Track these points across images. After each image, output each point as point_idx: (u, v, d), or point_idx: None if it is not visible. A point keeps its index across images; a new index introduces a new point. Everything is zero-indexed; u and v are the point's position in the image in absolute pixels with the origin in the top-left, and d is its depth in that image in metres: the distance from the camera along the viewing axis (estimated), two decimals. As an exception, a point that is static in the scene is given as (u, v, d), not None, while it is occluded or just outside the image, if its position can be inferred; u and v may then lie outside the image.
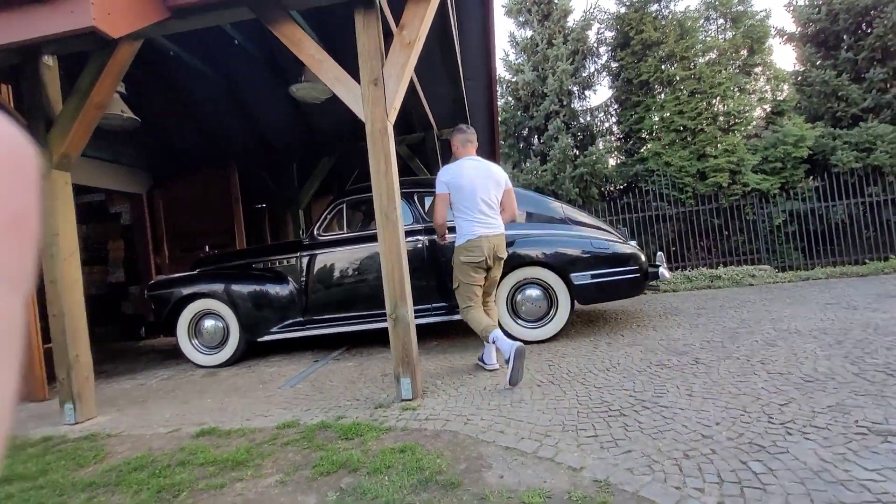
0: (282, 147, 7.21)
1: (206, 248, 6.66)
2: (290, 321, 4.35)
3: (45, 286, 2.97)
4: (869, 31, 7.72)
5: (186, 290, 4.34)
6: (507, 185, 3.20)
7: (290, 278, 4.44)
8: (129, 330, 6.97)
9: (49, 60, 3.02)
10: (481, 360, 3.27)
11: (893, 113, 7.42)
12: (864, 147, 7.24)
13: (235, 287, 4.31)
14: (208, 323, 4.33)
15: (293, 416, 2.65)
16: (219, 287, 4.31)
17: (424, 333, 4.65)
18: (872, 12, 7.64)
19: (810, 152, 7.47)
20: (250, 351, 4.50)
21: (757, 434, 1.87)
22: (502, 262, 3.16)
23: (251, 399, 3.15)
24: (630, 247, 4.08)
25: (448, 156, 7.43)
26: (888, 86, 7.65)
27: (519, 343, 2.76)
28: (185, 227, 6.89)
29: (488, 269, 3.07)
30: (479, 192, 3.01)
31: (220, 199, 6.77)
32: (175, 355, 5.02)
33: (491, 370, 3.19)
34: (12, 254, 0.14)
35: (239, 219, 6.77)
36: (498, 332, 2.92)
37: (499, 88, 8.83)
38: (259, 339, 4.30)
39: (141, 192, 6.88)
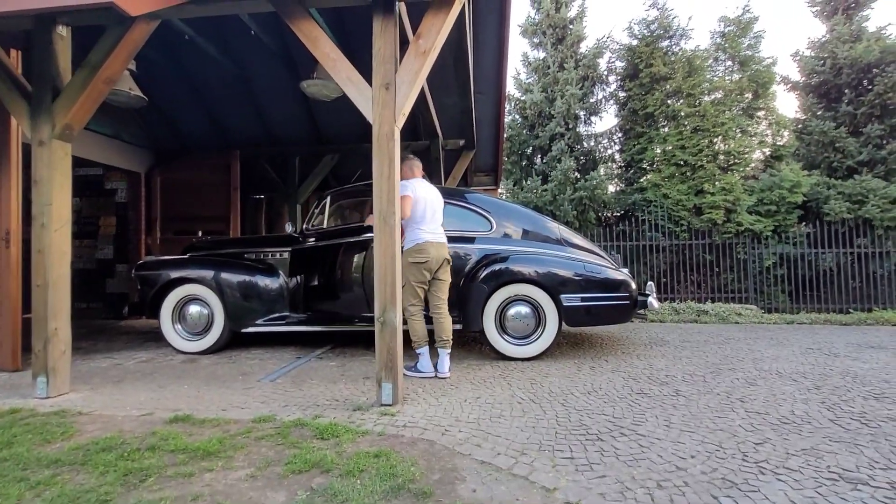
0: (286, 141, 7.22)
1: (200, 233, 6.62)
2: (277, 315, 4.32)
3: (31, 255, 2.94)
4: (870, 87, 7.94)
5: (175, 274, 4.30)
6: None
7: (280, 271, 4.42)
8: (112, 308, 6.87)
9: (63, 31, 3.02)
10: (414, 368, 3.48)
11: (887, 169, 7.61)
12: (857, 199, 7.39)
13: (225, 275, 4.28)
14: (193, 309, 4.29)
15: (270, 411, 2.62)
16: (208, 273, 4.27)
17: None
18: (875, 70, 7.86)
19: (804, 199, 7.61)
20: (233, 341, 4.45)
21: (730, 470, 1.88)
22: (449, 265, 3.51)
23: (229, 389, 3.11)
24: (622, 274, 4.11)
25: (451, 166, 7.49)
26: (884, 142, 7.84)
27: (443, 374, 3.35)
28: (180, 210, 6.84)
29: (435, 272, 3.44)
30: (432, 208, 3.44)
31: (219, 186, 6.75)
32: (156, 338, 4.95)
33: (421, 377, 3.40)
34: None
35: (236, 207, 6.74)
36: (425, 350, 3.42)
37: (507, 105, 8.94)
38: (243, 330, 4.26)
39: (139, 170, 6.84)
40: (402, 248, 3.35)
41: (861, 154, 7.79)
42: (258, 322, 4.28)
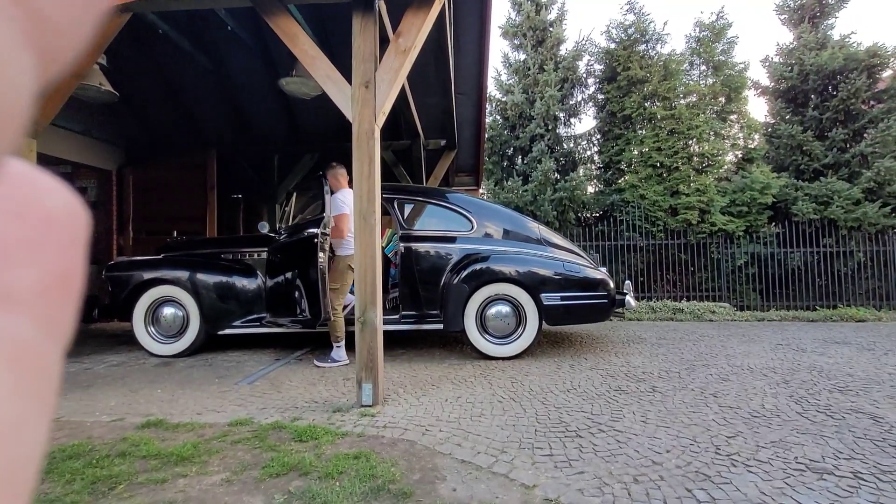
0: (265, 139, 7.09)
1: (175, 233, 6.45)
2: (255, 316, 4.24)
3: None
4: (835, 93, 8.26)
5: (148, 275, 4.18)
6: None
7: (258, 272, 4.34)
8: (82, 311, 6.60)
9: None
10: (331, 358, 3.74)
11: (851, 171, 7.93)
12: (823, 200, 7.69)
13: (201, 276, 4.17)
14: (167, 311, 4.17)
15: (247, 414, 2.56)
16: (183, 274, 4.16)
17: (391, 341, 4.62)
18: (839, 77, 8.19)
19: (774, 200, 7.88)
20: (210, 343, 4.35)
21: (704, 464, 1.93)
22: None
23: (205, 393, 3.04)
24: (600, 273, 4.18)
25: (432, 166, 7.49)
26: (848, 146, 8.18)
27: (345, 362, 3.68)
28: (154, 210, 6.65)
29: None
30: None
31: (194, 185, 6.59)
32: (128, 341, 4.79)
33: (337, 366, 3.70)
34: (59, 309, 0.15)
35: (212, 207, 6.59)
36: (342, 344, 3.75)
37: (488, 106, 8.99)
38: (220, 333, 4.17)
39: (111, 168, 6.62)
40: (338, 254, 3.76)
41: (826, 157, 8.10)
42: (236, 324, 4.19)
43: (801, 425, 2.35)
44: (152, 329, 4.19)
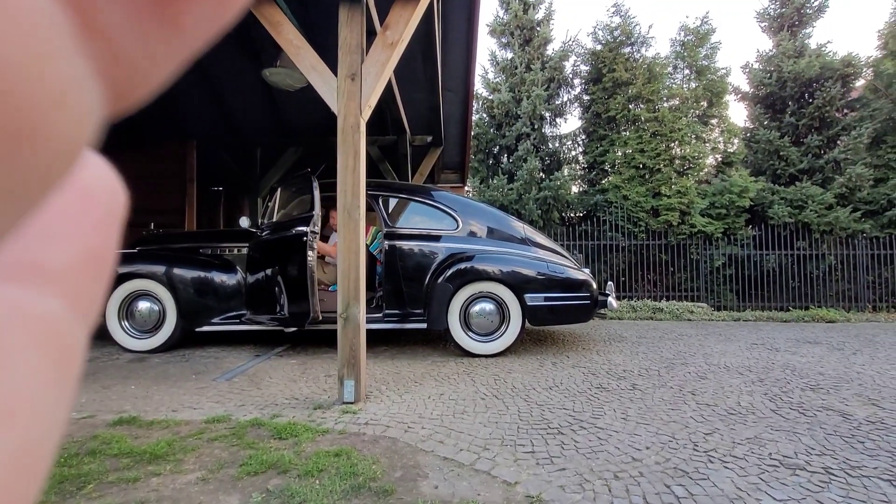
0: (247, 131, 6.94)
1: (152, 225, 6.27)
2: (235, 313, 4.15)
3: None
4: (811, 100, 8.51)
5: (122, 269, 4.04)
6: None
7: (239, 268, 4.25)
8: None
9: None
10: None
11: (824, 177, 8.19)
12: (797, 204, 7.93)
13: (178, 271, 4.06)
14: (142, 305, 4.05)
15: (225, 411, 2.51)
16: (159, 269, 4.05)
17: (375, 338, 4.58)
18: (815, 84, 8.44)
19: (751, 203, 8.08)
20: (188, 339, 4.24)
21: (682, 460, 1.96)
22: None
23: (181, 389, 2.96)
24: (583, 274, 4.22)
25: (418, 162, 7.45)
26: (822, 152, 8.44)
27: None
28: (130, 202, 6.42)
29: None
30: None
31: (173, 176, 6.42)
32: (100, 336, 4.63)
33: None
34: (89, 288, 0.15)
35: (191, 199, 6.44)
36: None
37: (475, 104, 8.98)
38: (198, 329, 4.07)
39: (84, 157, 6.39)
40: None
41: (802, 162, 8.34)
42: (214, 320, 4.09)
43: (775, 422, 2.41)
44: (126, 324, 4.06)
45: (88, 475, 1.77)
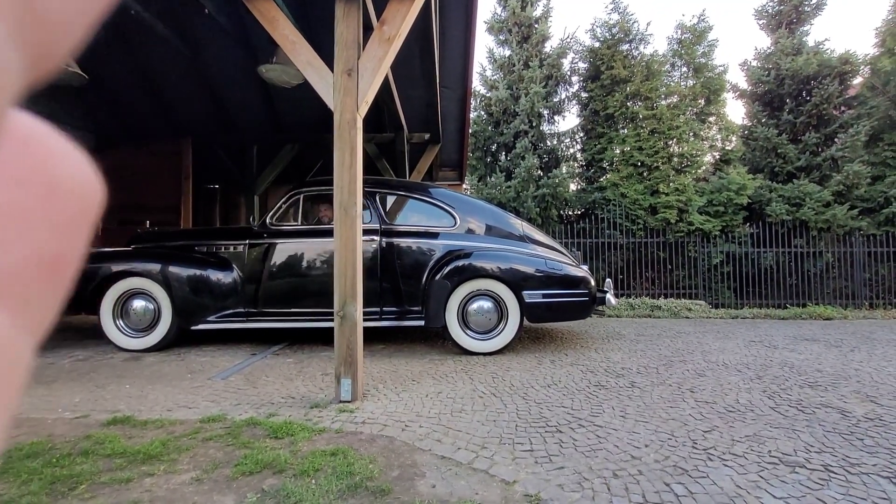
0: (244, 128, 6.90)
1: (147, 223, 6.23)
2: (231, 311, 4.12)
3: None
4: (808, 98, 8.51)
5: (117, 267, 4.01)
6: None
7: (235, 266, 4.21)
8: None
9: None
10: None
11: (822, 175, 8.19)
12: (795, 202, 7.93)
13: (173, 269, 4.03)
14: (138, 304, 4.02)
15: (220, 410, 2.48)
16: (154, 267, 4.01)
17: (371, 336, 4.56)
18: (813, 82, 8.44)
19: (749, 201, 8.08)
20: (183, 338, 4.21)
21: (681, 458, 1.95)
22: None
23: (176, 388, 2.93)
24: (582, 271, 4.20)
25: (416, 160, 7.41)
26: (819, 149, 8.44)
27: None
28: (125, 199, 6.41)
29: None
30: None
31: (169, 174, 6.37)
32: (95, 335, 4.60)
33: None
34: (41, 297, 0.13)
35: (187, 197, 6.39)
36: None
37: (472, 101, 8.95)
38: (193, 328, 4.04)
39: (79, 155, 6.33)
40: None
41: (800, 160, 8.34)
42: (210, 319, 4.06)
43: (773, 420, 2.40)
44: (121, 322, 4.03)
45: (81, 475, 1.74)
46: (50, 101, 5.75)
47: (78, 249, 0.14)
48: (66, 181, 0.13)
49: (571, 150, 10.12)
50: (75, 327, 5.33)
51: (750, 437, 2.18)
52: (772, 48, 8.99)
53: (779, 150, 8.50)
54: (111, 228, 6.40)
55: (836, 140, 8.38)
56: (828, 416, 2.46)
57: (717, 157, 9.30)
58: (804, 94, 8.63)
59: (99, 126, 6.55)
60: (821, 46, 8.58)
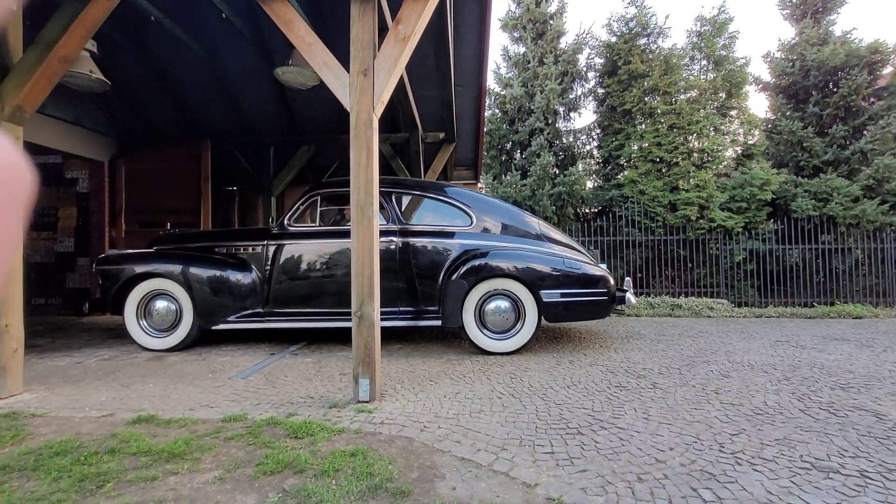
0: (260, 130, 6.99)
1: (168, 225, 6.35)
2: (250, 311, 4.17)
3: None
4: (835, 89, 8.22)
5: (140, 268, 4.10)
6: None
7: (253, 267, 4.27)
8: (73, 304, 6.53)
9: (13, 4, 2.79)
10: None
11: (850, 168, 7.91)
12: (822, 197, 7.67)
13: (194, 270, 4.10)
14: (160, 304, 4.10)
15: (241, 410, 2.51)
16: (175, 268, 4.09)
17: (388, 336, 4.57)
18: (840, 73, 8.15)
19: (773, 196, 7.85)
20: (204, 338, 4.28)
21: (708, 462, 1.89)
22: None
23: (198, 388, 2.98)
24: (600, 269, 4.13)
25: (430, 159, 7.40)
26: (847, 143, 8.15)
27: None
28: (147, 202, 6.55)
29: None
30: None
31: (188, 176, 6.48)
32: (120, 335, 4.73)
33: None
34: None
35: (206, 199, 6.49)
36: None
37: (487, 99, 8.90)
38: (214, 328, 4.10)
39: (102, 159, 6.51)
40: None
41: (826, 154, 8.07)
42: (230, 319, 4.12)
43: (804, 423, 2.32)
44: (144, 323, 4.12)
45: (108, 473, 1.78)
46: (75, 106, 5.91)
47: (11, 233, 0.13)
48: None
49: (588, 147, 9.99)
50: (101, 327, 5.47)
51: (780, 440, 2.11)
52: (796, 39, 8.72)
53: (804, 144, 8.24)
54: (133, 231, 6.55)
55: (865, 132, 8.08)
56: (861, 419, 2.36)
57: (740, 151, 9.06)
58: (831, 86, 8.35)
59: (121, 131, 6.71)
60: (848, 36, 8.29)
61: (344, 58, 2.67)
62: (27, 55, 2.73)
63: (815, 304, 7.09)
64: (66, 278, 6.66)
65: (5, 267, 0.13)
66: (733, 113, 8.95)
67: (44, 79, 2.76)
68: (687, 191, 7.91)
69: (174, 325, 4.09)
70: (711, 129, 8.33)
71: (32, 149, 5.34)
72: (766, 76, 9.14)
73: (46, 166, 6.62)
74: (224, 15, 4.46)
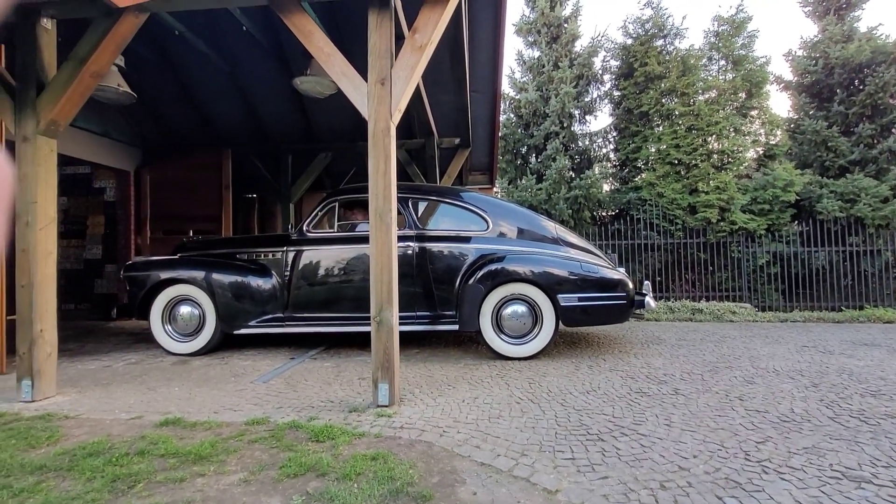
0: (279, 139, 7.13)
1: (191, 232, 6.52)
2: (270, 316, 4.25)
3: (16, 254, 2.85)
4: (861, 87, 8.00)
5: (165, 274, 4.21)
6: None
7: (273, 272, 4.35)
8: (101, 309, 6.74)
9: (47, 23, 2.93)
10: None
11: (878, 168, 7.67)
12: (849, 198, 7.45)
13: (216, 276, 4.20)
14: (184, 309, 4.20)
15: (263, 413, 2.56)
16: (199, 274, 4.19)
17: (406, 341, 4.59)
18: (866, 70, 7.93)
19: (797, 198, 7.66)
20: (225, 342, 4.37)
21: (734, 470, 1.86)
22: None
23: (221, 391, 3.04)
24: (618, 273, 4.09)
25: (446, 164, 7.44)
26: (875, 141, 7.92)
27: None
28: (170, 209, 6.73)
29: None
30: None
31: (210, 185, 6.65)
32: (145, 339, 4.86)
33: None
34: None
35: (227, 206, 6.65)
36: None
37: (502, 104, 8.91)
38: (236, 332, 4.19)
39: (128, 168, 6.72)
40: None
41: (853, 153, 7.85)
42: (251, 323, 4.20)
43: (834, 431, 2.26)
44: (169, 327, 4.23)
45: (138, 474, 1.83)
46: (103, 119, 6.13)
47: None
48: None
49: (604, 150, 9.91)
50: (128, 331, 5.64)
51: (808, 448, 2.05)
52: (819, 36, 8.53)
53: (829, 144, 8.03)
54: (157, 238, 6.74)
55: (893, 131, 7.84)
56: (895, 427, 2.28)
57: (761, 152, 8.87)
58: (856, 84, 8.13)
59: (145, 141, 6.92)
60: (874, 32, 8.07)
61: (360, 67, 2.72)
62: (61, 71, 2.85)
63: (843, 308, 6.87)
64: (94, 284, 6.89)
65: None
66: (754, 113, 8.79)
67: (77, 93, 2.88)
68: (707, 193, 7.78)
69: (198, 330, 4.19)
70: (731, 129, 8.18)
71: (63, 160, 5.56)
72: (788, 75, 8.96)
73: (76, 176, 6.88)
74: (245, 28, 4.58)
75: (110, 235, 6.86)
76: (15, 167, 2.87)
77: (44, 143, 2.87)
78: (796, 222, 7.74)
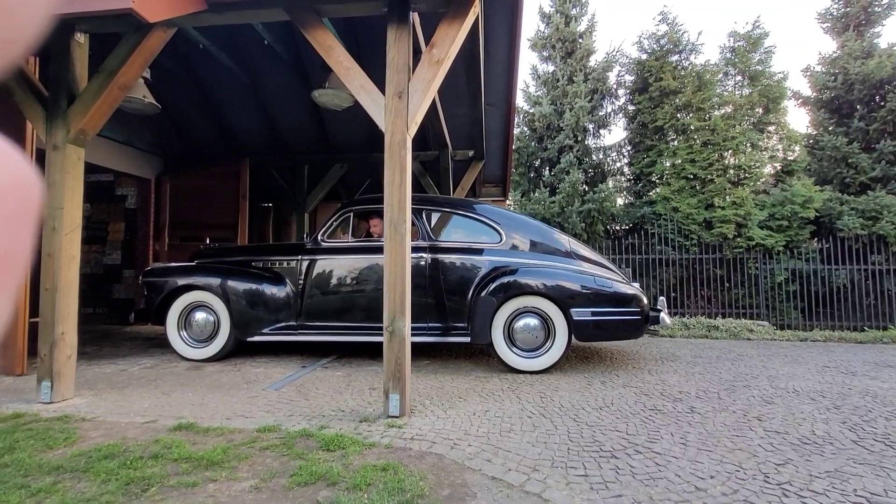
0: (296, 149, 7.26)
1: (207, 240, 6.64)
2: (283, 324, 4.28)
3: (41, 258, 2.93)
4: (882, 103, 7.88)
5: (181, 281, 4.29)
6: None
7: (287, 280, 4.39)
8: (118, 313, 6.87)
9: (80, 38, 3.06)
10: None
11: (901, 185, 7.51)
12: (871, 215, 7.29)
13: (231, 283, 4.26)
14: (199, 316, 4.27)
15: (275, 421, 2.57)
16: (214, 281, 4.26)
17: (417, 352, 4.57)
18: (887, 86, 7.82)
19: (817, 214, 7.52)
20: (238, 349, 4.41)
21: (752, 492, 1.80)
22: None
23: (234, 398, 3.07)
24: (633, 288, 4.05)
25: (459, 176, 7.48)
26: (897, 158, 7.76)
27: None
28: (188, 217, 6.87)
29: None
30: None
31: (227, 194, 6.78)
32: (161, 344, 4.93)
33: None
34: None
35: (244, 215, 6.76)
36: None
37: (516, 117, 8.96)
38: (249, 339, 4.23)
39: (149, 176, 6.90)
40: None
41: (874, 170, 7.70)
42: (264, 331, 4.24)
43: (857, 454, 2.18)
44: (184, 333, 4.28)
45: (152, 478, 1.85)
46: (127, 128, 6.32)
47: (23, 245, 0.14)
48: (5, 180, 0.14)
49: (618, 164, 9.89)
50: (143, 336, 5.73)
51: (830, 472, 1.99)
52: (838, 52, 8.45)
53: (849, 160, 7.90)
54: (175, 245, 6.87)
55: (916, 147, 7.68)
56: (923, 453, 2.20)
57: (779, 168, 8.75)
58: (877, 100, 8.01)
59: (166, 150, 7.11)
60: (895, 48, 7.96)
61: (377, 79, 2.77)
62: (91, 83, 2.97)
63: (866, 328, 6.68)
64: (112, 289, 7.03)
65: (15, 282, 0.14)
66: (771, 128, 8.69)
67: (105, 105, 2.98)
68: (723, 208, 7.68)
69: (212, 336, 4.24)
70: (748, 145, 8.10)
71: (89, 168, 5.72)
72: (806, 91, 8.88)
73: (100, 184, 7.07)
74: (266, 41, 4.71)
75: (130, 241, 7.02)
76: (44, 177, 2.98)
77: (72, 151, 2.98)
78: (816, 239, 7.58)
